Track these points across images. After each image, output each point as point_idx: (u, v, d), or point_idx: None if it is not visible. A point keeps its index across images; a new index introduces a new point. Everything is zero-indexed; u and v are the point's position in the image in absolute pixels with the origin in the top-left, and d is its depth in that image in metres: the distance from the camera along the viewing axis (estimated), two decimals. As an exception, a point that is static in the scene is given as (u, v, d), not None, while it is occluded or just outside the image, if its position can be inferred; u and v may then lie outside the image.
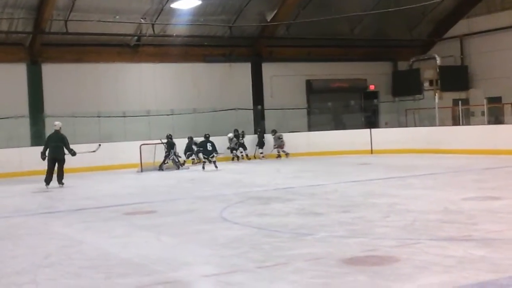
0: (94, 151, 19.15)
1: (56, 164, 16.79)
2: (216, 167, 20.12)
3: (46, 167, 16.82)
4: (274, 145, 24.56)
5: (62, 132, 17.20)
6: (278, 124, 26.38)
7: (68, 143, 17.03)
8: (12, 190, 16.78)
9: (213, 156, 20.44)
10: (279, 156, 24.43)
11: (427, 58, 30.38)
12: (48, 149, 16.87)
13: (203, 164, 20.59)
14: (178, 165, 21.55)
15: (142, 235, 8.91)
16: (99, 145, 19.42)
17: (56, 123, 17.53)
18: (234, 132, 24.43)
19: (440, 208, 9.83)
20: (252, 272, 6.36)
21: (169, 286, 5.98)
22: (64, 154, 16.95)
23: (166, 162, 21.43)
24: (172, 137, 21.82)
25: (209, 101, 26.18)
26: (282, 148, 24.43)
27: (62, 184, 16.76)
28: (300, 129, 27.14)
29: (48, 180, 16.61)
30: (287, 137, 24.83)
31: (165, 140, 21.63)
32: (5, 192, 16.43)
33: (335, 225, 8.83)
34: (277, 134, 24.66)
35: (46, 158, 16.82)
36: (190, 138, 23.00)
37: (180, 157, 21.91)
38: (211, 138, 20.97)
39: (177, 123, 24.70)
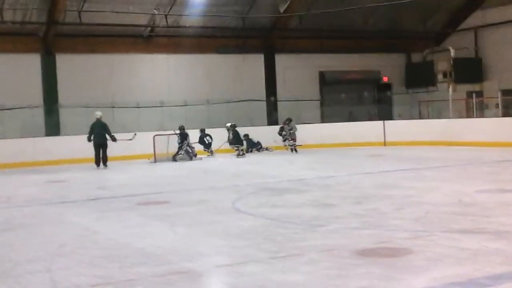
0: (130, 140, 20.53)
1: (101, 148, 19.42)
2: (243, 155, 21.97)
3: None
4: (285, 136, 23.30)
5: (97, 121, 19.67)
6: (291, 116, 26.34)
7: (110, 130, 19.56)
8: (26, 180, 16.90)
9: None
10: (294, 150, 22.94)
11: (441, 50, 30.21)
12: (93, 136, 19.39)
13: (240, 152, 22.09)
14: (191, 156, 21.63)
15: (156, 225, 8.95)
16: (135, 134, 20.91)
17: (97, 112, 20.04)
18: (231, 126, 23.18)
19: (454, 200, 9.81)
20: (265, 263, 6.38)
21: (182, 276, 6.01)
22: (107, 140, 19.44)
23: (180, 153, 21.49)
24: (185, 128, 21.86)
25: (222, 92, 26.17)
26: (295, 140, 23.18)
27: (106, 166, 19.40)
28: (313, 121, 27.11)
29: (97, 163, 19.40)
30: (300, 128, 24.70)
31: (178, 131, 21.69)
32: (20, 182, 16.55)
33: (348, 217, 8.84)
34: (292, 123, 23.37)
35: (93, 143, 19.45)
36: (202, 130, 23.01)
37: (193, 148, 21.96)
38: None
39: (190, 114, 24.76)
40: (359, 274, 5.78)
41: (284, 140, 23.38)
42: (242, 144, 22.71)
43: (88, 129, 19.85)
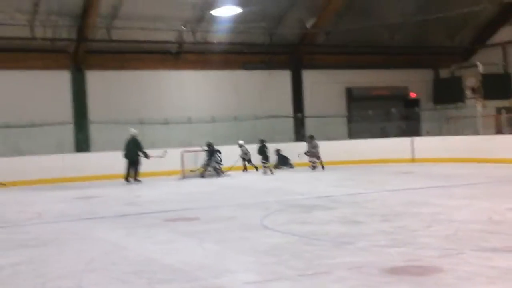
0: (161, 157, 20.78)
1: (132, 165, 20.12)
2: (271, 172, 21.70)
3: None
4: (307, 154, 23.04)
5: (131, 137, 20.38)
6: (318, 132, 26.32)
7: (142, 147, 20.28)
8: (56, 196, 17.08)
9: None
10: (315, 167, 22.66)
11: (469, 65, 29.97)
12: (125, 152, 20.08)
13: (268, 170, 21.87)
14: (219, 172, 21.69)
15: (185, 241, 8.99)
16: (166, 151, 21.17)
17: (132, 130, 20.73)
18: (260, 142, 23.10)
19: (484, 218, 9.71)
20: (293, 280, 6.37)
21: (211, 293, 6.03)
22: (138, 156, 20.12)
23: (208, 169, 21.56)
24: (213, 144, 21.94)
25: (249, 108, 26.25)
26: (319, 158, 22.77)
27: (139, 181, 20.04)
28: (340, 137, 27.03)
29: (127, 179, 20.02)
30: (327, 145, 24.65)
31: (206, 148, 21.76)
32: (50, 198, 16.73)
33: (377, 234, 8.79)
34: (314, 141, 23.09)
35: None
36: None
37: (221, 164, 22.03)
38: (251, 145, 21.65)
39: (218, 130, 24.86)
40: (389, 292, 5.76)
41: (307, 155, 23.12)
42: (268, 160, 22.51)
43: (119, 145, 20.37)
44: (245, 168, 23.20)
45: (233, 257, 7.72)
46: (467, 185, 15.45)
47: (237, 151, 23.11)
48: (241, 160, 23.14)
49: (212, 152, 21.63)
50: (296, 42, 27.82)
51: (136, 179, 20.15)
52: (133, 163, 20.19)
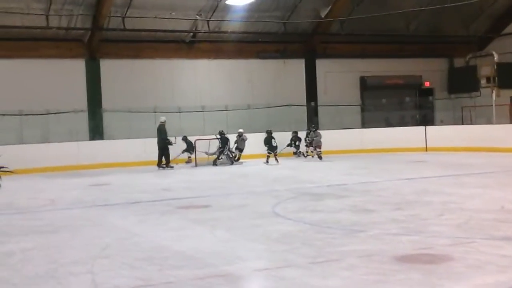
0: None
1: (162, 151, 20.88)
2: (277, 161, 21.19)
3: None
4: (308, 142, 22.98)
5: None
6: (331, 121, 26.32)
7: (165, 134, 21.07)
8: (70, 183, 17.19)
9: (276, 152, 21.63)
10: (317, 156, 22.18)
11: (484, 54, 29.75)
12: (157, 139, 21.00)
13: (267, 159, 21.58)
14: (232, 160, 21.74)
15: (196, 228, 9.04)
16: (175, 138, 21.65)
17: (162, 117, 21.53)
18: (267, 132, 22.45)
19: (496, 207, 9.68)
20: (303, 267, 6.40)
21: (221, 279, 6.07)
22: (168, 143, 21.00)
23: (220, 157, 21.61)
24: (225, 133, 21.92)
25: (263, 97, 26.24)
26: (320, 147, 22.29)
27: (172, 167, 20.85)
28: (353, 126, 26.98)
29: (158, 165, 20.84)
30: (341, 134, 24.64)
31: (218, 136, 21.78)
32: (64, 185, 16.84)
33: (388, 223, 8.80)
34: (317, 131, 22.74)
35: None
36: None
37: (233, 152, 22.08)
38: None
39: (231, 118, 24.86)
40: (399, 280, 5.77)
41: (308, 146, 23.10)
42: (273, 151, 21.67)
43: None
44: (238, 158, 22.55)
45: (244, 245, 7.76)
46: (480, 174, 15.39)
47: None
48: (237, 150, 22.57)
49: (225, 141, 21.64)
50: (310, 31, 27.72)
51: (168, 166, 20.86)
52: (161, 149, 20.94)
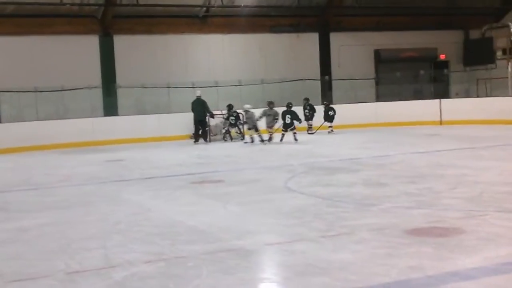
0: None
1: (199, 125, 20.78)
2: (295, 139, 19.41)
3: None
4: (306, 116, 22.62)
5: None
6: (346, 95, 26.20)
7: (208, 107, 20.79)
8: (85, 159, 17.28)
9: (293, 128, 19.71)
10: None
11: (500, 26, 29.36)
12: (194, 113, 20.75)
13: (282, 137, 19.75)
14: (243, 136, 21.60)
15: (209, 203, 9.09)
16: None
17: (198, 91, 21.46)
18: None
19: (510, 180, 9.65)
20: (315, 241, 6.42)
21: (233, 254, 6.10)
22: (206, 116, 20.78)
23: (236, 131, 21.57)
24: (233, 107, 21.59)
25: (276, 71, 26.16)
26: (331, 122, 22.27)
27: (207, 141, 20.78)
28: (368, 100, 26.85)
29: (196, 139, 20.73)
30: (355, 107, 24.47)
31: (232, 111, 21.60)
32: (79, 161, 16.93)
33: (401, 196, 8.79)
34: (330, 105, 22.59)
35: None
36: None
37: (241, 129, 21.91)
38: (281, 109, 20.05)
39: (245, 93, 24.79)
40: (410, 253, 5.77)
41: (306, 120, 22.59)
42: (286, 127, 19.84)
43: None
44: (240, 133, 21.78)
45: (256, 219, 7.79)
46: (495, 147, 15.29)
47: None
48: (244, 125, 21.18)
49: (238, 116, 21.54)
50: (324, 5, 27.51)
51: (206, 140, 20.82)
52: (200, 123, 20.83)
